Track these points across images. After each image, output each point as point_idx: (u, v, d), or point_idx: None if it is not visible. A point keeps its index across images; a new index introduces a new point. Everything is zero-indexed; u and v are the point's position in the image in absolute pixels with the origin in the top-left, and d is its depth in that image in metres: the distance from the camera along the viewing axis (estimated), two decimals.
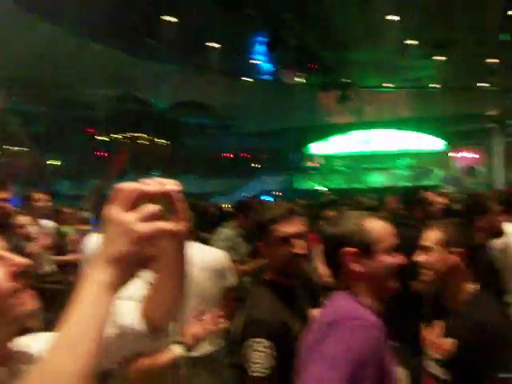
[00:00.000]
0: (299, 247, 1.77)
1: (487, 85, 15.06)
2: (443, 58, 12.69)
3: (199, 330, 1.87)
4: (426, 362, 1.90)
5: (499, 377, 1.62)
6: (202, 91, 15.36)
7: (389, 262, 1.38)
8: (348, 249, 1.38)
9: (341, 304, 1.37)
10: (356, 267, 1.37)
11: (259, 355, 1.56)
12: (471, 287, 1.87)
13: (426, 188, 12.01)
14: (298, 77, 13.21)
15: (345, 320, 1.26)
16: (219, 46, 11.83)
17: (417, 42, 11.86)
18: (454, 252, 1.87)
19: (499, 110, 18.14)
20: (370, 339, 1.24)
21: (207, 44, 11.71)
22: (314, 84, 13.78)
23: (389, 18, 10.54)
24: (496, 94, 16.58)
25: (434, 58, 12.71)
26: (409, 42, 11.81)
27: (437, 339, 1.85)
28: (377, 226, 1.42)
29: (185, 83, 14.86)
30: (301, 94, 14.43)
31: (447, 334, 1.81)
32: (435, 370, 1.83)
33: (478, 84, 15.00)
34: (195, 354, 1.94)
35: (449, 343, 1.76)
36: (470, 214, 2.94)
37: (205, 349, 2.19)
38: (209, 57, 12.13)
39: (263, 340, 1.58)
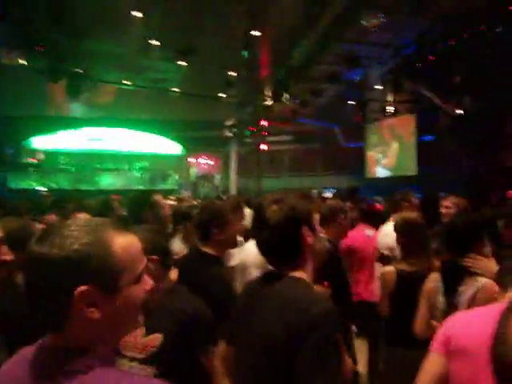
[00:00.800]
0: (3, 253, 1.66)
1: (226, 96, 16.82)
2: (185, 64, 13.62)
3: None
4: (123, 365, 2.04)
5: (208, 350, 2.15)
6: None
7: (137, 294, 1.13)
8: (82, 288, 1.02)
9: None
10: (93, 313, 1.05)
11: None
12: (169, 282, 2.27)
13: (161, 192, 12.78)
14: (21, 58, 12.28)
15: None
16: None
17: (159, 44, 12.46)
18: (149, 259, 2.21)
19: (235, 121, 20.48)
20: None
21: None
22: (41, 69, 13.02)
23: (133, 13, 10.80)
24: (233, 106, 18.72)
25: (177, 62, 13.54)
26: (152, 41, 12.31)
27: (139, 339, 2.08)
28: (124, 246, 1.10)
29: None
30: (23, 79, 13.43)
31: (148, 332, 2.09)
32: (135, 369, 2.02)
33: (218, 94, 16.59)
34: None
35: (153, 339, 2.05)
36: (208, 226, 3.12)
37: None
38: None
39: None
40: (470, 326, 1.99)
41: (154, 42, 12.39)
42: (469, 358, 1.90)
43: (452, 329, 2.02)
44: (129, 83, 15.48)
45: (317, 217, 1.92)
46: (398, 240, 3.62)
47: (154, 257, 2.15)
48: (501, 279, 2.19)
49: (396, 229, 3.65)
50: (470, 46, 11.67)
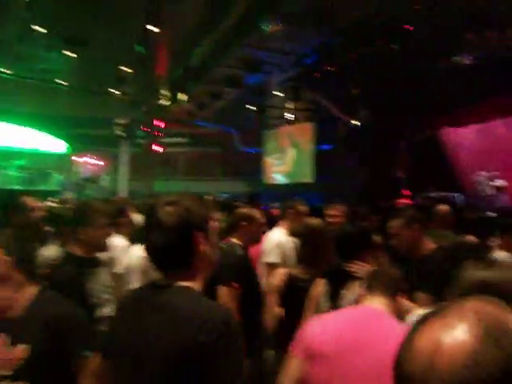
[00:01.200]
0: None
1: (118, 92, 16.46)
2: (74, 56, 13.20)
3: None
4: None
5: (84, 355, 2.09)
6: None
7: None
8: None
9: None
10: None
11: None
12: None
13: (41, 193, 12.23)
14: None
15: None
16: None
17: (45, 31, 11.95)
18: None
19: (128, 120, 20.11)
20: None
21: None
22: None
23: None
24: (126, 103, 18.35)
25: (65, 52, 13.07)
26: (36, 28, 11.78)
27: (4, 355, 1.98)
28: None
29: None
30: None
31: (12, 343, 2.00)
32: None
33: (109, 90, 16.20)
34: None
35: (20, 351, 1.97)
36: (73, 225, 3.18)
37: None
38: None
39: None
40: (327, 329, 2.17)
41: (39, 29, 11.86)
42: (324, 361, 2.07)
43: (310, 333, 2.19)
44: (7, 72, 14.68)
45: (215, 225, 1.89)
46: (298, 246, 3.79)
47: (17, 266, 2.08)
48: (366, 282, 2.41)
49: (297, 235, 3.82)
50: (368, 60, 12.42)
